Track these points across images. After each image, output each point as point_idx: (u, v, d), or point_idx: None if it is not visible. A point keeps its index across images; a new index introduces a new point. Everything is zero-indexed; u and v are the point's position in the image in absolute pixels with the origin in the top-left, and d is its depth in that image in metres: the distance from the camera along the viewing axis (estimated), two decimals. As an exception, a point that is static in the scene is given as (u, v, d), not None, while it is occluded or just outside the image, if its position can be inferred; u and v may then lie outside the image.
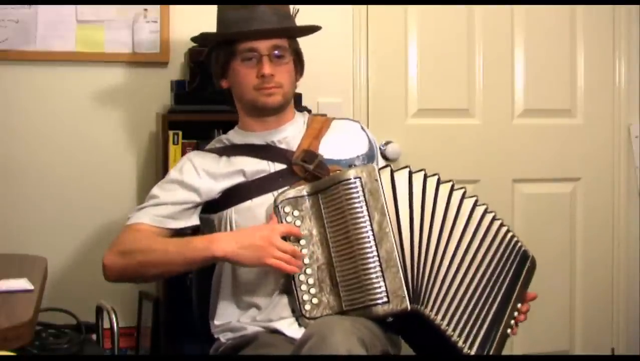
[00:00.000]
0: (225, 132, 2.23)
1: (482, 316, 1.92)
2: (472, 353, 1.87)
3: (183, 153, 2.47)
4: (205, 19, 2.62)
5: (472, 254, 1.95)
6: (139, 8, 2.69)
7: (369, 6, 2.93)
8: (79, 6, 2.64)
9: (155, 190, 2.06)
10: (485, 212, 1.99)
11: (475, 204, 1.98)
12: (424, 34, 2.99)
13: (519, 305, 2.00)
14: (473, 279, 1.93)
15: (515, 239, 2.03)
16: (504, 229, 2.01)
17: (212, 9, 2.62)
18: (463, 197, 1.97)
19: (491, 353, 1.90)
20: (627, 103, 3.19)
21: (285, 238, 1.89)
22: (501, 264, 1.98)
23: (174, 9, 2.72)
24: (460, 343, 1.87)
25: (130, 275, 1.99)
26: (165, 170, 2.49)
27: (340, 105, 2.88)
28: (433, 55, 3.00)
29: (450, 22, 3.02)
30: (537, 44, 3.09)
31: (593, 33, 3.15)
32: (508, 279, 1.99)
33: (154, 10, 2.70)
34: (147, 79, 2.72)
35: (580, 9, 3.13)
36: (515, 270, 2.01)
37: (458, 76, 3.03)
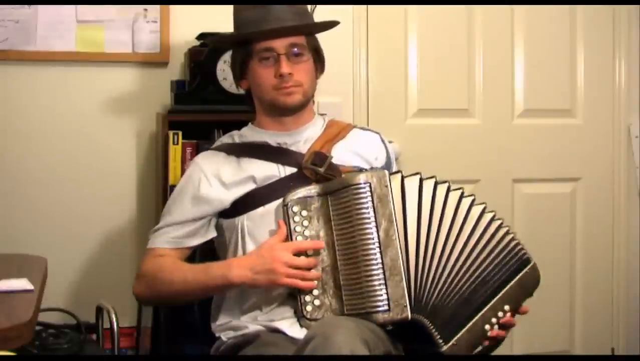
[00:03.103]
0: (225, 132, 2.22)
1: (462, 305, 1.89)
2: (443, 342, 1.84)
3: (183, 153, 2.47)
4: (206, 19, 2.64)
5: (477, 263, 1.92)
6: (139, 8, 2.68)
7: (369, 6, 2.93)
8: (79, 6, 2.64)
9: (169, 206, 2.07)
10: (493, 219, 1.97)
11: (483, 211, 1.96)
12: (424, 34, 2.99)
13: (507, 307, 1.93)
14: (472, 286, 1.91)
15: (519, 246, 1.99)
16: (509, 236, 1.98)
17: (213, 9, 2.64)
18: (472, 204, 1.96)
19: (458, 335, 1.84)
20: (627, 103, 3.19)
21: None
22: (499, 267, 1.95)
23: (174, 9, 2.71)
24: (444, 347, 1.84)
25: (160, 303, 2.17)
26: (165, 170, 2.49)
27: (340, 105, 2.88)
28: (433, 56, 3.00)
29: (450, 22, 3.02)
30: (537, 44, 3.09)
31: (593, 33, 3.15)
32: (499, 276, 1.94)
33: (154, 10, 2.70)
34: (147, 79, 2.72)
35: (580, 9, 3.13)
36: (510, 271, 1.96)
37: (458, 76, 3.03)
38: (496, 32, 3.06)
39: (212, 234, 2.06)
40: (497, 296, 1.92)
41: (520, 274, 1.97)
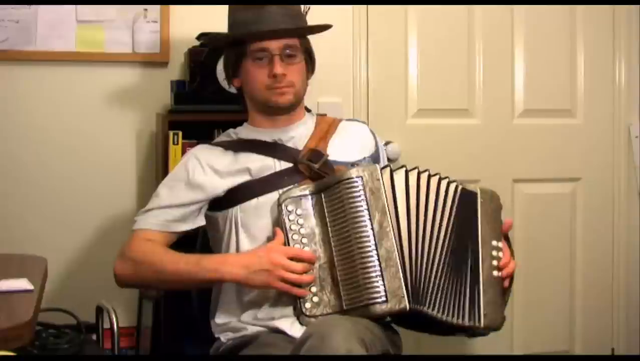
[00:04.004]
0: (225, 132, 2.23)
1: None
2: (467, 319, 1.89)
3: (183, 153, 2.47)
4: (206, 19, 2.63)
5: (450, 234, 1.95)
6: (139, 8, 2.69)
7: (369, 6, 2.93)
8: (79, 6, 2.64)
9: (161, 189, 2.08)
10: (457, 186, 1.99)
11: (456, 188, 1.99)
12: (424, 34, 2.99)
13: (494, 242, 1.97)
14: (460, 257, 1.94)
15: (463, 188, 1.99)
16: (452, 185, 1.99)
17: (213, 9, 2.64)
18: (448, 185, 1.99)
19: (482, 306, 1.90)
20: (627, 103, 3.19)
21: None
22: (465, 223, 1.97)
23: (174, 9, 2.72)
24: (458, 321, 1.89)
25: (140, 286, 2.14)
26: (165, 170, 2.49)
27: (340, 105, 2.88)
28: (433, 55, 3.00)
29: (450, 22, 3.01)
30: (537, 44, 3.09)
31: (593, 33, 3.15)
32: (469, 229, 1.97)
33: (154, 10, 2.70)
34: (147, 79, 2.72)
35: (580, 9, 3.13)
36: (471, 216, 1.98)
37: (458, 76, 3.03)
38: (496, 32, 3.06)
39: (201, 222, 2.07)
40: (479, 245, 1.96)
41: (479, 209, 1.99)
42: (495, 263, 1.96)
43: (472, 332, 1.95)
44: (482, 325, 1.90)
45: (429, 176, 1.98)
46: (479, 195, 2.01)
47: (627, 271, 3.20)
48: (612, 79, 3.18)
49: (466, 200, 1.99)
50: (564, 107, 3.15)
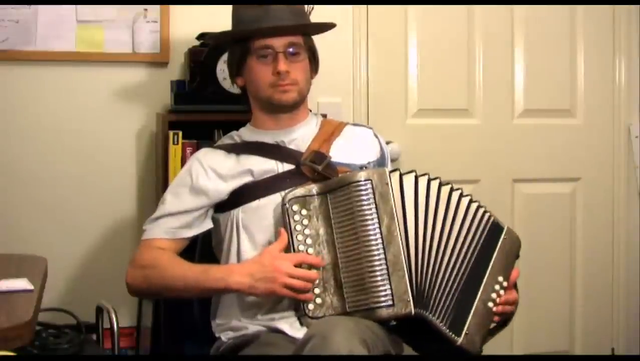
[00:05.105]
0: (225, 132, 2.24)
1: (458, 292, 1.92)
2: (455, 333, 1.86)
3: (183, 153, 2.47)
4: (206, 19, 2.64)
5: (469, 251, 1.95)
6: (139, 8, 2.68)
7: (369, 6, 2.93)
8: (79, 6, 2.64)
9: (167, 196, 2.09)
10: (479, 207, 2.00)
11: (470, 202, 1.99)
12: (424, 34, 2.99)
13: (500, 278, 1.96)
14: (466, 272, 1.94)
15: (492, 218, 2.00)
16: (480, 211, 2.00)
17: (213, 9, 2.64)
18: (460, 197, 1.98)
19: (467, 324, 1.87)
20: (627, 103, 3.19)
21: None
22: (482, 246, 1.97)
23: (174, 9, 2.71)
24: (441, 326, 1.86)
25: (150, 295, 2.20)
26: (165, 170, 2.49)
27: (340, 105, 2.88)
28: (433, 55, 3.00)
29: (450, 22, 3.01)
30: (537, 44, 3.09)
31: (593, 33, 3.15)
32: (484, 254, 1.96)
33: (154, 10, 2.70)
34: (147, 79, 2.72)
35: (580, 9, 3.13)
36: (490, 245, 1.98)
37: (458, 76, 3.03)
38: (496, 32, 3.06)
39: (208, 225, 2.08)
40: (487, 273, 1.95)
41: (499, 243, 2.00)
42: (494, 295, 1.94)
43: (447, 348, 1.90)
44: (460, 340, 1.86)
45: (440, 184, 1.97)
46: (504, 231, 2.02)
47: (627, 271, 3.20)
48: (612, 79, 3.18)
49: (492, 229, 2.00)
50: (564, 107, 3.15)
